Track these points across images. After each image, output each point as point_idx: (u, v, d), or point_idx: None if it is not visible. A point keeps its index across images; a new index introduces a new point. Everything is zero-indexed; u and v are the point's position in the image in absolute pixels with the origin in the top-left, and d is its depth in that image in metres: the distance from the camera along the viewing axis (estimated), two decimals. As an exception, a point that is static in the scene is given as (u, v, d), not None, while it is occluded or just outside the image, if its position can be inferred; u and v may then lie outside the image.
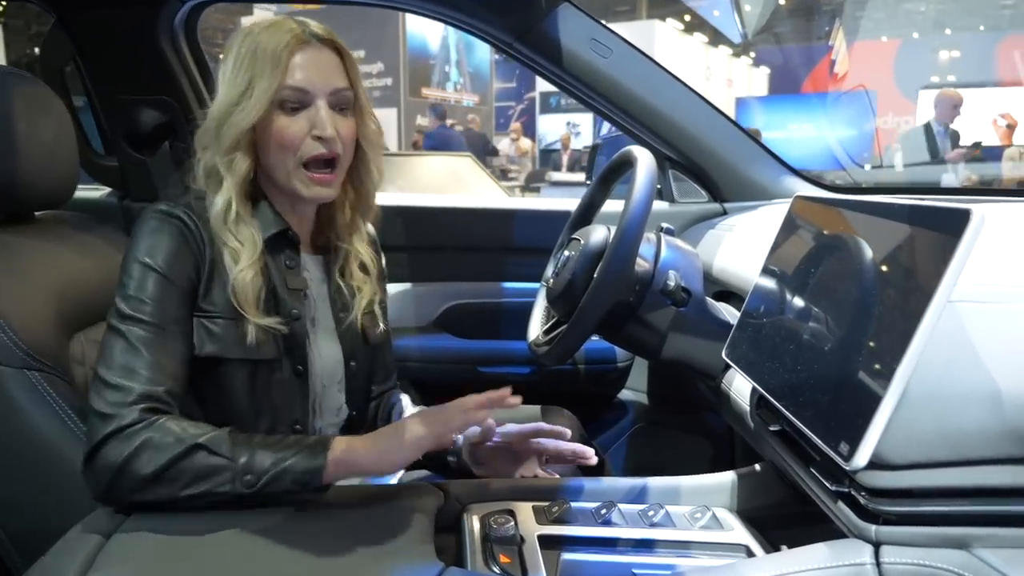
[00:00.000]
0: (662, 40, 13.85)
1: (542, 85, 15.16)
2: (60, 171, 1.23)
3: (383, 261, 1.26)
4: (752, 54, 17.52)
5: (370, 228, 1.22)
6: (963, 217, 0.63)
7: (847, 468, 0.66)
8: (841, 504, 0.74)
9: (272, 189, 1.05)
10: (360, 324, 1.13)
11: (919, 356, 0.63)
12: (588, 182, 1.46)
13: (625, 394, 1.85)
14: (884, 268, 0.72)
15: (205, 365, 0.97)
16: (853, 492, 0.72)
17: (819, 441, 0.71)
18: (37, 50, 1.68)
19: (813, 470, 0.79)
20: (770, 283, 0.95)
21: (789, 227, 0.97)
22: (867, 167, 6.82)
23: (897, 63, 11.04)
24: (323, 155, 0.99)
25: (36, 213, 1.27)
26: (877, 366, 0.66)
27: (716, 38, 16.89)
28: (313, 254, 1.12)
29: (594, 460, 0.96)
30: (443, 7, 1.52)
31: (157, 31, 1.60)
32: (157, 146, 1.70)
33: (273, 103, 0.97)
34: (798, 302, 0.86)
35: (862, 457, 0.65)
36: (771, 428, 0.91)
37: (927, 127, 5.65)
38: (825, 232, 0.87)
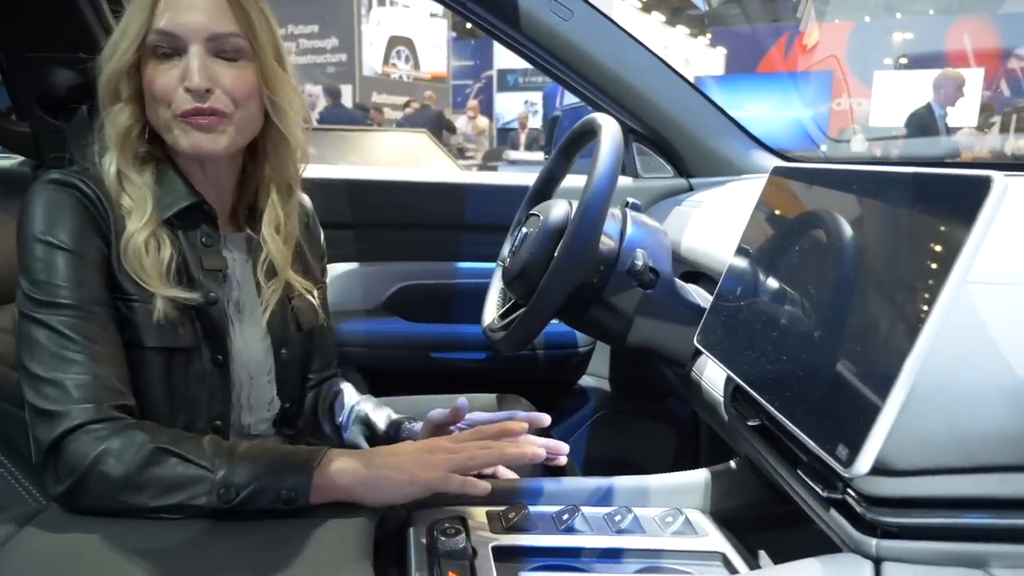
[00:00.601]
0: (619, 18, 13.78)
1: (500, 63, 14.98)
2: None
3: (322, 239, 1.15)
4: (709, 35, 17.56)
5: (307, 202, 1.11)
6: (983, 185, 0.54)
7: (846, 475, 0.57)
8: (834, 513, 0.65)
9: (176, 153, 0.94)
10: (291, 308, 1.02)
11: (930, 346, 0.54)
12: (548, 158, 1.38)
13: (586, 380, 1.76)
14: (886, 245, 0.63)
15: None
16: (849, 500, 0.64)
17: (811, 443, 0.62)
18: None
19: (801, 472, 0.70)
20: (748, 263, 0.86)
21: (768, 201, 0.88)
22: (824, 148, 6.86)
23: (850, 45, 11.12)
24: (197, 109, 0.88)
25: None
26: (881, 358, 0.57)
27: (674, 17, 16.86)
28: (235, 231, 1.00)
29: (564, 460, 0.88)
30: None
31: None
32: (74, 110, 1.53)
33: (144, 49, 0.88)
34: (781, 284, 0.77)
35: (864, 463, 0.56)
36: (749, 423, 0.82)
37: (928, 108, 5.63)
38: (811, 206, 0.78)
